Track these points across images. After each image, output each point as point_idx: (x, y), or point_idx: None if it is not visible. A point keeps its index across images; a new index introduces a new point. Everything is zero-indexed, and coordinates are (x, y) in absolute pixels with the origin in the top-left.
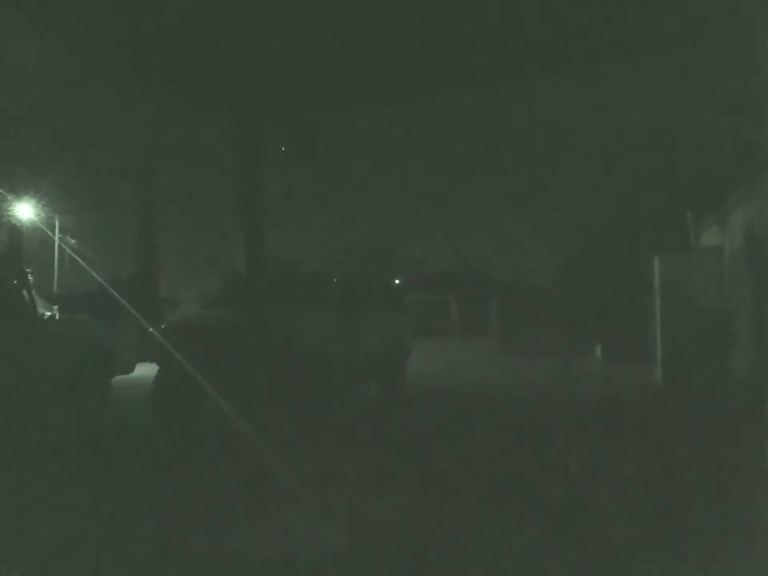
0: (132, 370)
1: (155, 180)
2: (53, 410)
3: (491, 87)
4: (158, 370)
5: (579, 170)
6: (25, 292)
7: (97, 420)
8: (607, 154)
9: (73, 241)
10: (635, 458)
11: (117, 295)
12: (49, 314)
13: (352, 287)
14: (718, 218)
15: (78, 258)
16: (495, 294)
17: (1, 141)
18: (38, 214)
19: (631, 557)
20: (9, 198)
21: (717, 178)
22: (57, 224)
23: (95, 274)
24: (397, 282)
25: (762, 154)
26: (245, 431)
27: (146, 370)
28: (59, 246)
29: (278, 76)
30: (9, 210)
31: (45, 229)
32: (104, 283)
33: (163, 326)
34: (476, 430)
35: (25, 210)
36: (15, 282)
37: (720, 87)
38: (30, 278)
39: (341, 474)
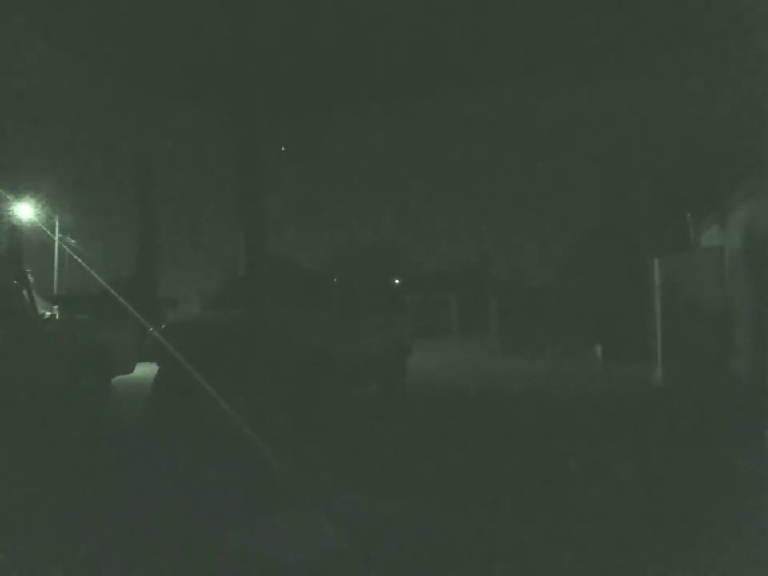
0: (132, 370)
1: (155, 180)
2: (53, 409)
3: (492, 87)
4: (158, 370)
5: (579, 170)
6: (25, 292)
7: (97, 420)
8: (607, 153)
9: (73, 241)
10: (635, 458)
11: (117, 295)
12: (49, 314)
13: (352, 287)
14: (718, 218)
15: (78, 258)
16: (495, 294)
17: (1, 141)
18: (38, 214)
19: (631, 557)
20: (9, 197)
21: (717, 178)
22: (57, 224)
23: (95, 274)
24: (397, 281)
25: (763, 153)
26: (245, 431)
27: (146, 370)
28: (59, 246)
29: (278, 75)
30: (9, 210)
31: (45, 229)
32: (104, 283)
33: (163, 326)
34: (475, 430)
35: (25, 210)
36: (15, 282)
37: (720, 87)
38: (29, 278)
39: (341, 474)
